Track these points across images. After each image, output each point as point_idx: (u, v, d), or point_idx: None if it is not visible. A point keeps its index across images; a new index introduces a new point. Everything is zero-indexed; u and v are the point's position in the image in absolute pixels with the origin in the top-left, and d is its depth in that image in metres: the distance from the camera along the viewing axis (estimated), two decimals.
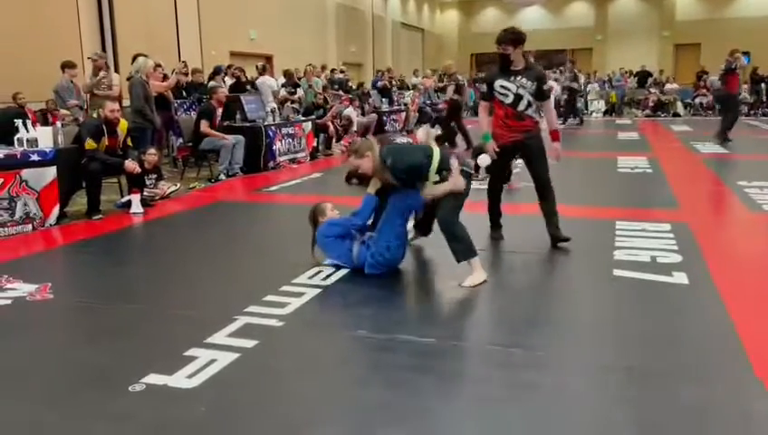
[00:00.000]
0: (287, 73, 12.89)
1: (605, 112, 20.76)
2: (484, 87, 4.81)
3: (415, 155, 4.09)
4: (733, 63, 11.67)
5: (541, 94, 4.65)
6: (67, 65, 8.46)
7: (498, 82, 4.63)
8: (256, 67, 12.37)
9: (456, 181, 3.98)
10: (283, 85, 12.62)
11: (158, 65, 9.02)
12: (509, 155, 4.89)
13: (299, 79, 13.01)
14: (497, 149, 4.70)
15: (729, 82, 11.91)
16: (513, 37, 4.56)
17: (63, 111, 8.26)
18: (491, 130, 4.75)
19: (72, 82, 8.54)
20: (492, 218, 5.11)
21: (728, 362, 2.85)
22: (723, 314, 3.40)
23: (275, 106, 10.52)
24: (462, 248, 3.96)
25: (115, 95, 7.98)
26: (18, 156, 5.59)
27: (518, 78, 4.59)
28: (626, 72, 21.98)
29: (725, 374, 2.74)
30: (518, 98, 4.60)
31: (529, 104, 4.63)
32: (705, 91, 20.40)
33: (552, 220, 4.75)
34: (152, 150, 6.85)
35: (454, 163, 4.02)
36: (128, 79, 8.31)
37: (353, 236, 4.16)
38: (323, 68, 15.13)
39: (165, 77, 9.17)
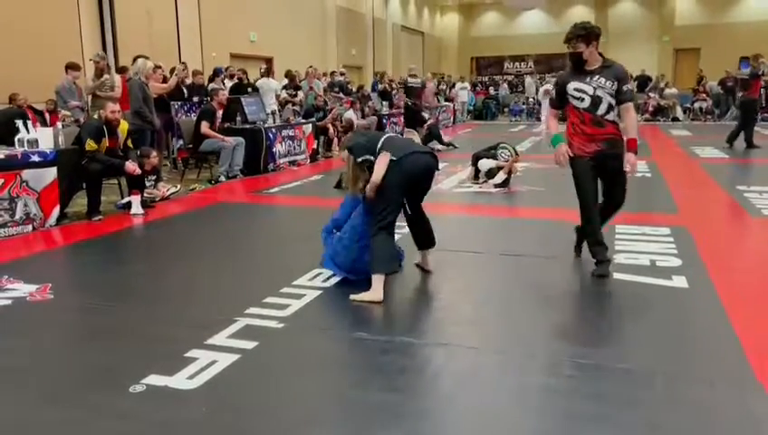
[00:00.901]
0: (289, 75, 12.91)
1: None
2: (553, 93, 4.31)
3: (358, 138, 4.03)
4: (759, 69, 11.61)
5: (621, 96, 4.00)
6: (71, 66, 8.47)
7: (572, 85, 4.06)
8: (260, 69, 12.39)
9: (375, 173, 3.70)
10: (284, 87, 12.64)
11: (158, 67, 9.02)
12: (594, 169, 4.12)
13: (300, 81, 13.03)
14: (571, 154, 4.10)
15: (752, 88, 11.78)
16: (585, 33, 3.99)
17: (64, 112, 8.26)
18: (565, 138, 4.15)
19: (74, 83, 8.55)
20: (599, 247, 4.20)
21: (729, 366, 2.85)
22: (722, 317, 3.40)
23: (276, 108, 10.53)
24: (372, 260, 3.76)
25: (117, 96, 7.98)
26: (19, 156, 5.60)
27: (595, 78, 4.00)
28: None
29: (726, 378, 2.74)
30: (596, 100, 3.99)
31: (610, 107, 4.02)
32: (704, 95, 20.44)
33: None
34: (154, 153, 6.86)
35: (381, 154, 3.73)
36: (126, 81, 8.31)
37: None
38: (325, 74, 15.16)
39: (165, 79, 9.17)
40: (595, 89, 3.98)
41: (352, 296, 3.71)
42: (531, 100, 22.47)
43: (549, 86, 18.74)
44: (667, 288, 3.89)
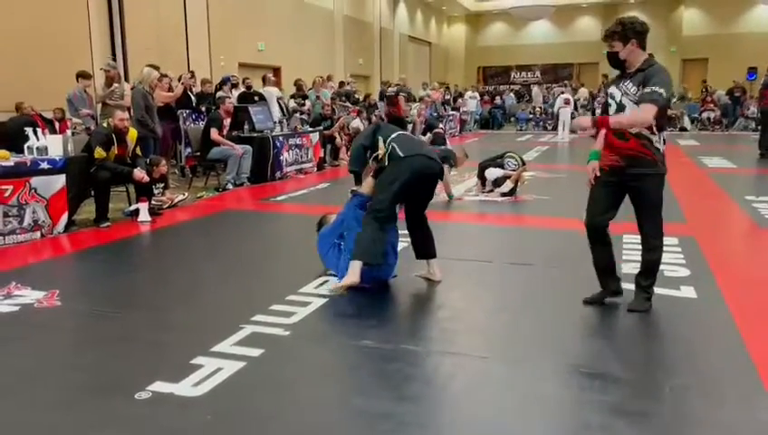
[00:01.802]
0: (297, 84, 12.99)
1: None
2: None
3: (358, 140, 4.12)
4: None
5: (640, 96, 3.40)
6: (82, 75, 8.53)
7: (609, 90, 3.63)
8: (263, 78, 12.45)
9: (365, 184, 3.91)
10: (292, 96, 12.69)
11: (164, 75, 9.08)
12: (612, 186, 3.59)
13: (307, 90, 13.09)
14: (597, 174, 3.60)
15: (766, 98, 12.06)
16: (621, 29, 3.46)
17: (75, 120, 8.33)
18: (601, 148, 3.62)
19: (84, 91, 8.61)
20: (599, 275, 3.80)
21: (738, 377, 2.83)
22: (731, 328, 3.38)
23: (281, 116, 10.56)
24: (355, 247, 3.88)
25: (126, 105, 8.05)
26: (28, 164, 5.63)
27: (626, 83, 3.49)
28: None
29: (735, 389, 2.72)
30: (621, 108, 3.50)
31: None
32: (711, 105, 20.39)
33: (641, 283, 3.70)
34: (163, 161, 6.90)
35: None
36: (131, 89, 8.38)
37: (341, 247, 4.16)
38: (329, 78, 15.20)
39: (171, 87, 9.22)
40: (622, 95, 3.49)
41: (329, 288, 3.80)
42: (537, 109, 22.46)
43: (567, 95, 18.75)
44: (675, 298, 3.86)
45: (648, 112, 3.33)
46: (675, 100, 20.06)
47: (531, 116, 22.47)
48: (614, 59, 3.54)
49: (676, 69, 26.36)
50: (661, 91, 3.32)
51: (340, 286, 3.87)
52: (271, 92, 11.40)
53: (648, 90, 3.34)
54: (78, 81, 8.49)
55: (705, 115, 20.36)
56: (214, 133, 8.38)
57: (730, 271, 4.51)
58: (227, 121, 8.72)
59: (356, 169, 4.20)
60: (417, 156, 3.92)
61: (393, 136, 3.98)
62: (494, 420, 2.48)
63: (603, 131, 3.55)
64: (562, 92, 19.04)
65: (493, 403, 2.63)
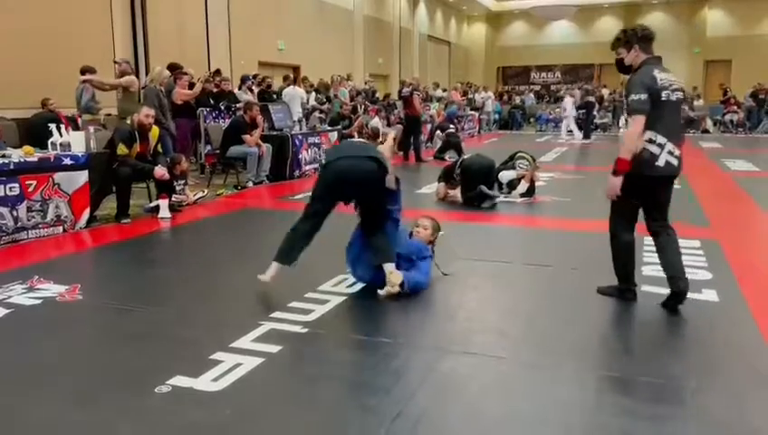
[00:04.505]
0: (321, 84, 13.06)
1: None
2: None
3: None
4: None
5: (627, 106, 3.58)
6: (88, 69, 8.56)
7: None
8: (285, 78, 12.51)
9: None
10: (316, 90, 12.74)
11: (185, 73, 9.14)
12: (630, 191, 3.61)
13: (327, 90, 13.15)
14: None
15: None
16: (623, 37, 3.64)
17: (85, 117, 8.38)
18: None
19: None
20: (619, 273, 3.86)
21: (759, 381, 2.78)
22: (754, 332, 3.33)
23: (301, 116, 10.60)
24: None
25: (118, 84, 8.19)
26: (51, 159, 5.71)
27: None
28: None
29: (757, 393, 2.68)
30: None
31: (626, 121, 3.76)
32: (735, 107, 20.10)
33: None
34: (183, 159, 6.97)
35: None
36: (142, 88, 8.44)
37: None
38: (349, 77, 15.24)
39: (191, 85, 9.29)
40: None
41: (259, 277, 4.00)
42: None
43: (575, 92, 18.76)
44: (696, 301, 3.81)
45: (636, 125, 3.46)
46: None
47: (551, 116, 22.24)
48: (621, 65, 3.71)
49: (699, 70, 26.06)
50: (637, 97, 3.45)
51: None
52: (296, 92, 11.45)
53: (629, 100, 3.50)
54: (85, 75, 8.48)
55: (728, 117, 20.09)
56: (248, 139, 8.40)
57: (753, 275, 4.44)
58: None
59: None
60: (340, 159, 4.02)
61: (330, 151, 4.22)
62: (511, 421, 2.46)
63: (621, 162, 3.51)
64: (571, 96, 19.03)
65: (510, 404, 2.61)
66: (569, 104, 18.10)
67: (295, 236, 4.06)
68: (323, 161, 4.21)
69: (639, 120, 3.44)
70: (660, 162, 3.52)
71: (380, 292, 3.87)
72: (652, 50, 3.63)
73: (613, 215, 3.75)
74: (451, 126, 13.59)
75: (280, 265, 4.02)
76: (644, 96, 3.43)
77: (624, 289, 3.85)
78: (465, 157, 7.37)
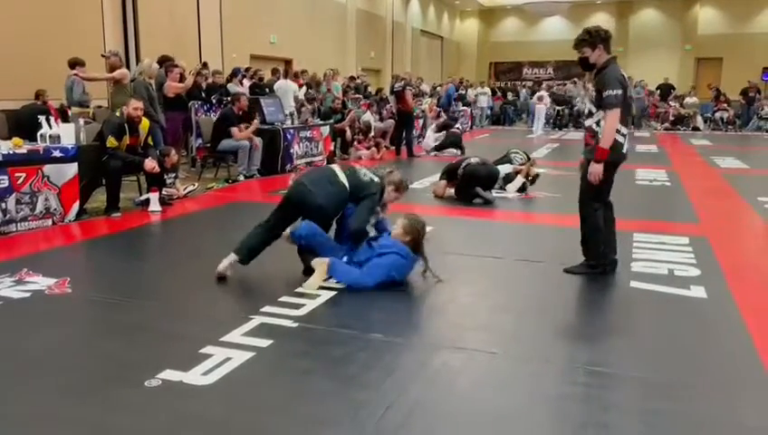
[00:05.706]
0: (313, 78, 13.01)
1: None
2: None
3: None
4: None
5: (601, 102, 3.98)
6: (77, 62, 8.50)
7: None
8: (276, 71, 12.45)
9: None
10: (307, 84, 12.69)
11: (176, 66, 9.07)
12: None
13: (318, 84, 13.09)
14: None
15: None
16: (588, 38, 4.06)
17: (75, 110, 8.32)
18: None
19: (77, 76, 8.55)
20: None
21: (747, 378, 2.81)
22: (741, 328, 3.36)
23: (294, 110, 10.56)
24: None
25: (110, 77, 8.21)
26: (41, 151, 5.67)
27: (593, 81, 4.16)
28: (646, 85, 21.73)
29: (744, 389, 2.71)
30: (586, 106, 4.20)
31: (590, 114, 4.15)
32: (725, 105, 20.21)
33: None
34: (174, 151, 6.93)
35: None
36: (131, 81, 8.37)
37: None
38: (334, 73, 15.18)
39: (182, 78, 9.21)
40: (586, 93, 4.13)
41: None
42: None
43: (543, 92, 18.95)
44: (684, 298, 3.84)
45: (613, 118, 3.92)
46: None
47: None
48: (585, 63, 4.13)
49: (690, 67, 26.17)
50: (615, 92, 3.89)
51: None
52: (288, 86, 11.39)
53: (605, 94, 3.90)
54: (75, 68, 8.42)
55: (718, 115, 20.18)
56: (236, 132, 8.37)
57: (741, 272, 4.48)
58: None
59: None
60: (293, 184, 4.34)
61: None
62: (501, 416, 2.48)
63: (603, 151, 3.98)
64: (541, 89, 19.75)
65: (500, 399, 2.62)
66: (541, 112, 18.52)
67: (251, 233, 4.28)
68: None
69: (617, 113, 3.90)
70: (624, 149, 4.07)
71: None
72: (611, 49, 4.10)
73: (586, 199, 4.22)
74: (457, 126, 13.73)
75: (237, 259, 4.14)
76: (620, 92, 3.89)
77: (594, 265, 4.23)
78: (471, 161, 7.33)
